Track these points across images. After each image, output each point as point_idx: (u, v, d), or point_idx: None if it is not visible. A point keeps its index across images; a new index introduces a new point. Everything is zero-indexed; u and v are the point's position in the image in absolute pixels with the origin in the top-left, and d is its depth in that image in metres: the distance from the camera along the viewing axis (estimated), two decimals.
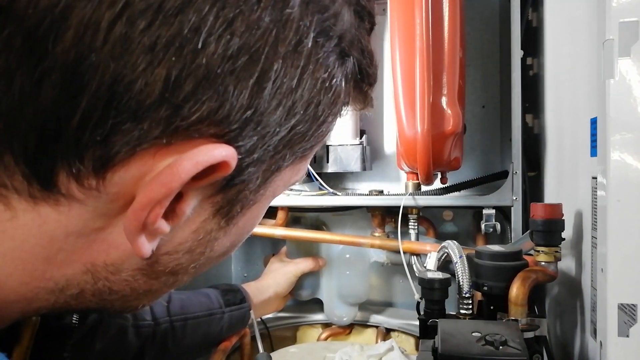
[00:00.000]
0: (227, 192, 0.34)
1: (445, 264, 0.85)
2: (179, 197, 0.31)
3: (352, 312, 1.16)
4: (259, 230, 1.11)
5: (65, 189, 0.29)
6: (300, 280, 1.15)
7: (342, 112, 0.39)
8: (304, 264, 1.13)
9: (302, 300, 1.20)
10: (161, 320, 0.86)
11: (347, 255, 1.15)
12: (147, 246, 0.32)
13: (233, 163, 0.30)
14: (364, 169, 1.09)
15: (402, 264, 1.10)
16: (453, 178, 0.99)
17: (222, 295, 0.98)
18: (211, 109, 0.28)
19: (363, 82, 0.39)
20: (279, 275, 1.11)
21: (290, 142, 0.34)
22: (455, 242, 0.80)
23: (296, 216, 1.15)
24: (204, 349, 0.95)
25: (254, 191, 0.35)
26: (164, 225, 0.31)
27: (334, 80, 0.34)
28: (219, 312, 0.95)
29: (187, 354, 0.92)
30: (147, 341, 0.84)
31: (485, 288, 0.71)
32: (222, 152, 0.29)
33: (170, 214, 0.31)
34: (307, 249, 1.17)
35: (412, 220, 1.04)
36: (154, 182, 0.29)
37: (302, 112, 0.33)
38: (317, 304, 1.21)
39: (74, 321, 0.63)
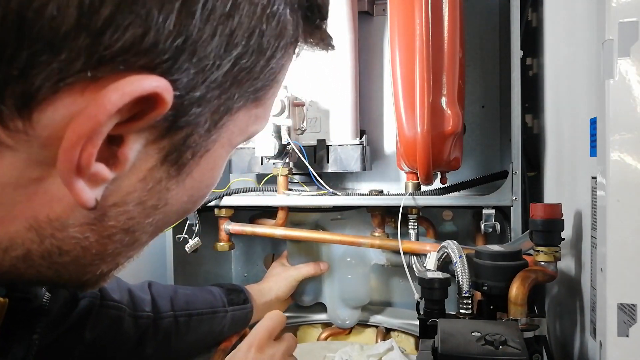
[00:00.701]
0: (173, 135, 0.31)
1: (445, 264, 0.85)
2: (120, 142, 0.29)
3: (355, 314, 1.16)
4: (259, 230, 1.11)
5: None
6: (302, 286, 1.16)
7: (295, 49, 0.37)
8: (305, 269, 1.13)
9: (305, 305, 1.20)
10: (165, 315, 0.86)
11: (348, 259, 1.15)
12: (88, 193, 0.29)
13: (168, 97, 0.28)
14: (364, 169, 1.09)
15: (402, 265, 1.10)
16: (453, 178, 0.99)
17: (226, 294, 0.98)
18: (135, 36, 0.26)
19: (312, 14, 0.37)
20: (280, 279, 1.11)
21: (236, 79, 0.32)
22: (455, 242, 0.80)
23: (295, 222, 1.15)
24: (205, 347, 0.95)
25: (204, 136, 0.33)
26: (104, 170, 0.29)
27: (276, 6, 0.32)
28: (222, 311, 0.95)
29: (189, 350, 0.92)
30: (147, 333, 0.83)
31: (485, 288, 0.71)
32: (152, 83, 0.27)
33: (112, 159, 0.29)
34: (308, 253, 1.17)
35: (412, 220, 1.04)
36: (80, 117, 0.27)
37: (243, 42, 0.31)
38: (317, 304, 1.21)
39: (44, 301, 0.62)
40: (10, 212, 0.30)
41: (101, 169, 0.29)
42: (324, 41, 0.40)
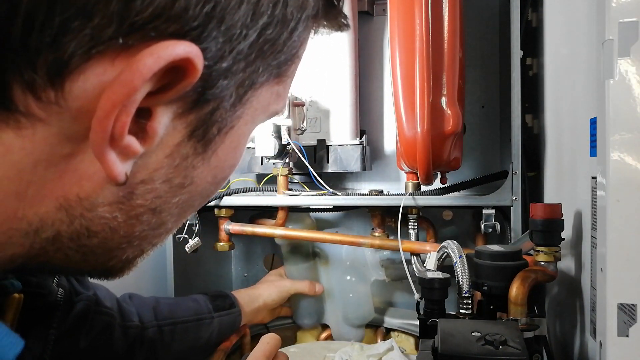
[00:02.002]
0: (200, 109, 0.32)
1: (444, 264, 0.85)
2: (148, 115, 0.29)
3: (360, 333, 1.16)
4: (259, 230, 1.11)
5: (23, 106, 0.27)
6: (304, 308, 1.16)
7: (314, 24, 0.38)
8: (300, 284, 1.12)
9: (307, 328, 1.20)
10: (148, 324, 0.84)
11: (348, 277, 1.15)
12: (119, 166, 0.29)
13: (199, 63, 0.28)
14: (364, 169, 1.09)
15: (403, 280, 1.11)
16: (453, 178, 0.99)
17: (211, 300, 0.97)
18: (166, 2, 0.26)
19: None
20: (272, 286, 1.11)
21: (261, 52, 0.33)
22: (455, 242, 0.80)
23: (294, 245, 1.16)
24: (195, 355, 0.94)
25: (230, 111, 0.33)
26: (135, 144, 0.29)
27: None
28: (208, 317, 0.94)
29: (175, 357, 0.90)
30: (136, 344, 0.82)
31: (485, 288, 0.71)
32: (185, 48, 0.27)
33: (141, 133, 0.30)
34: (307, 275, 1.17)
35: (411, 220, 1.04)
36: (115, 83, 0.27)
37: (269, 12, 0.31)
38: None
39: (58, 297, 0.62)
40: (40, 192, 0.30)
41: (132, 141, 0.29)
42: (340, 19, 0.41)
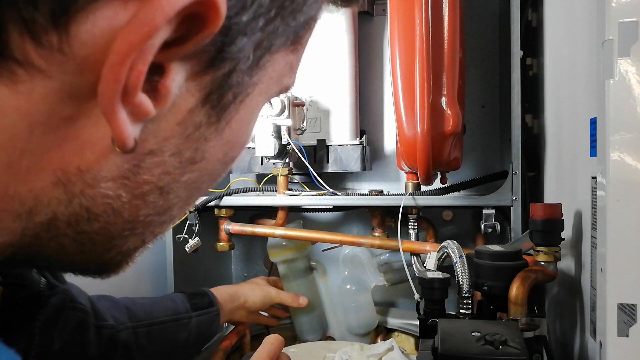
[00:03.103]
0: (217, 70, 0.29)
1: (444, 264, 0.85)
2: (161, 72, 0.26)
3: (365, 341, 1.15)
4: (259, 230, 1.11)
5: (20, 53, 0.23)
6: (307, 323, 1.16)
7: None
8: (285, 295, 1.10)
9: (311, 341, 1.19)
10: (122, 326, 0.80)
11: (348, 286, 1.15)
12: (129, 128, 0.26)
13: (222, 8, 0.25)
14: (364, 169, 1.09)
15: (402, 283, 1.11)
16: (453, 178, 0.99)
17: (188, 299, 0.93)
18: None
19: None
20: (257, 289, 1.07)
21: (282, 8, 0.30)
22: (455, 242, 0.80)
23: (290, 261, 1.16)
24: (170, 357, 0.90)
25: (247, 74, 0.31)
26: (148, 103, 0.26)
27: None
28: (185, 317, 0.90)
29: (153, 358, 0.86)
30: (110, 346, 0.77)
31: (485, 288, 0.71)
32: None
33: (152, 93, 0.26)
34: (306, 291, 1.17)
35: (411, 221, 1.04)
36: (133, 22, 0.23)
37: None
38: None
39: (41, 287, 0.59)
40: (36, 163, 0.26)
41: (145, 100, 0.25)
42: None
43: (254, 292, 1.06)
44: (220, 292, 1.00)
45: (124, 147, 0.26)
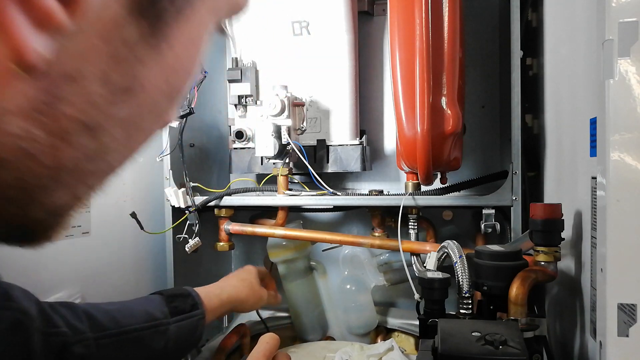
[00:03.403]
0: None
1: (444, 264, 0.85)
2: None
3: (365, 341, 1.15)
4: (259, 230, 1.11)
5: None
6: (308, 323, 1.16)
7: None
8: (272, 297, 1.03)
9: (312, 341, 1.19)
10: (80, 337, 0.68)
11: (348, 286, 1.16)
12: (32, 38, 0.21)
13: None
14: (364, 169, 1.09)
15: (402, 283, 1.11)
16: (453, 178, 0.99)
17: (167, 302, 0.81)
18: None
19: None
20: (250, 294, 0.97)
21: None
22: (455, 242, 0.80)
23: (290, 262, 1.16)
24: None
25: None
26: (58, 10, 0.21)
27: None
28: (162, 324, 0.78)
29: None
30: (63, 357, 0.65)
31: (485, 288, 0.71)
32: None
33: (65, 1, 0.21)
34: (306, 291, 1.17)
35: (411, 221, 1.04)
36: None
37: None
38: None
39: None
40: None
41: (53, 5, 0.21)
42: None
43: (246, 296, 0.96)
44: (208, 294, 0.89)
45: (25, 62, 0.21)
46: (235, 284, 0.96)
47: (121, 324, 0.73)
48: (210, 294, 0.89)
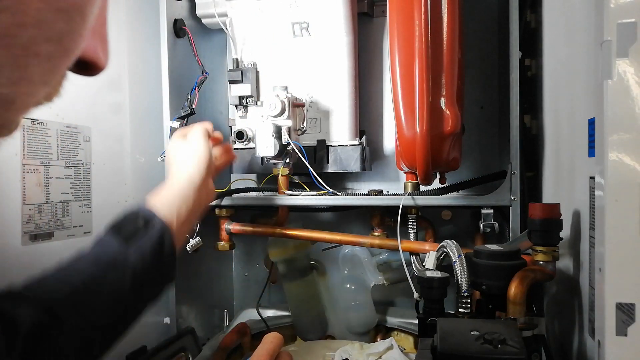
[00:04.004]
0: None
1: (443, 264, 0.85)
2: None
3: (365, 340, 1.16)
4: (259, 229, 1.11)
5: None
6: (308, 322, 1.17)
7: None
8: (219, 158, 0.88)
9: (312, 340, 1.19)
10: (29, 314, 0.54)
11: (348, 285, 1.16)
12: None
13: None
14: (363, 169, 1.09)
15: (401, 282, 1.11)
16: (452, 178, 1.00)
17: (113, 233, 0.65)
18: None
19: None
20: (186, 156, 0.80)
21: None
22: (454, 241, 0.80)
23: (290, 261, 1.17)
24: (118, 315, 0.64)
25: None
26: None
27: None
28: (117, 260, 0.63)
29: (93, 334, 0.60)
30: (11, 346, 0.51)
31: (484, 287, 0.71)
32: None
33: None
34: (306, 290, 1.18)
35: (411, 220, 1.04)
36: None
37: None
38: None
39: None
40: None
41: None
42: None
43: (187, 165, 0.78)
44: (161, 199, 0.72)
45: None
46: (183, 167, 0.79)
47: (71, 280, 0.60)
48: (164, 197, 0.72)
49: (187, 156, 0.79)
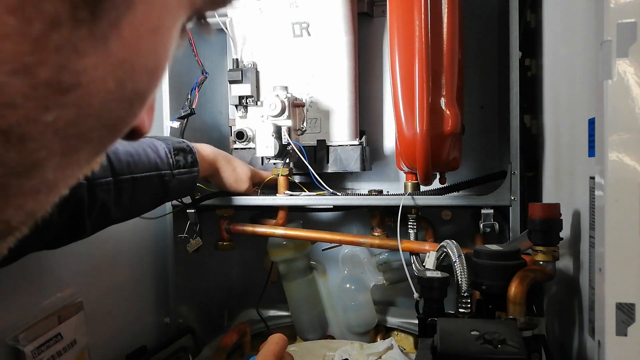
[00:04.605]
0: None
1: (443, 264, 0.86)
2: None
3: (365, 340, 1.15)
4: (260, 229, 1.11)
5: None
6: (308, 322, 1.17)
7: None
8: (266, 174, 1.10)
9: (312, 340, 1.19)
10: (103, 182, 0.73)
11: (348, 285, 1.16)
12: None
13: None
14: (363, 169, 1.09)
15: (401, 282, 1.11)
16: (452, 178, 1.00)
17: (173, 154, 0.88)
18: None
19: None
20: (243, 170, 1.06)
21: None
22: (454, 241, 0.80)
23: (290, 261, 1.17)
24: (143, 209, 0.88)
25: None
26: None
27: None
28: (168, 175, 0.86)
29: (129, 213, 0.84)
30: (83, 203, 0.70)
31: (484, 287, 0.71)
32: None
33: None
34: (306, 290, 1.18)
35: (411, 220, 1.04)
36: None
37: None
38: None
39: None
40: None
41: None
42: None
43: (227, 175, 1.03)
44: (205, 154, 0.97)
45: None
46: (227, 164, 1.03)
47: (134, 170, 0.79)
48: (204, 153, 0.97)
49: (233, 163, 1.04)
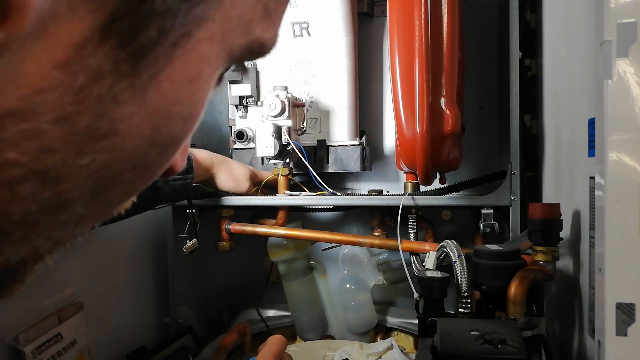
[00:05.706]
0: None
1: (443, 264, 0.85)
2: None
3: (365, 340, 1.15)
4: (260, 229, 1.11)
5: None
6: (307, 322, 1.16)
7: None
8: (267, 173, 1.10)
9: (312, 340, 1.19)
10: None
11: (347, 285, 1.16)
12: None
13: None
14: (363, 169, 1.09)
15: (401, 282, 1.11)
16: (452, 178, 1.00)
17: None
18: None
19: None
20: (243, 173, 1.07)
21: None
22: (453, 241, 0.80)
23: (290, 261, 1.17)
24: (131, 213, 0.87)
25: (182, 3, 0.20)
26: None
27: None
28: (161, 181, 0.85)
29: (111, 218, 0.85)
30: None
31: (484, 287, 0.71)
32: None
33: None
34: (306, 290, 1.18)
35: (411, 220, 1.04)
36: None
37: None
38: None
39: None
40: None
41: None
42: None
43: (235, 173, 1.04)
44: (201, 159, 0.97)
45: None
46: (224, 168, 1.04)
47: None
48: (199, 158, 0.96)
49: (230, 166, 1.04)
